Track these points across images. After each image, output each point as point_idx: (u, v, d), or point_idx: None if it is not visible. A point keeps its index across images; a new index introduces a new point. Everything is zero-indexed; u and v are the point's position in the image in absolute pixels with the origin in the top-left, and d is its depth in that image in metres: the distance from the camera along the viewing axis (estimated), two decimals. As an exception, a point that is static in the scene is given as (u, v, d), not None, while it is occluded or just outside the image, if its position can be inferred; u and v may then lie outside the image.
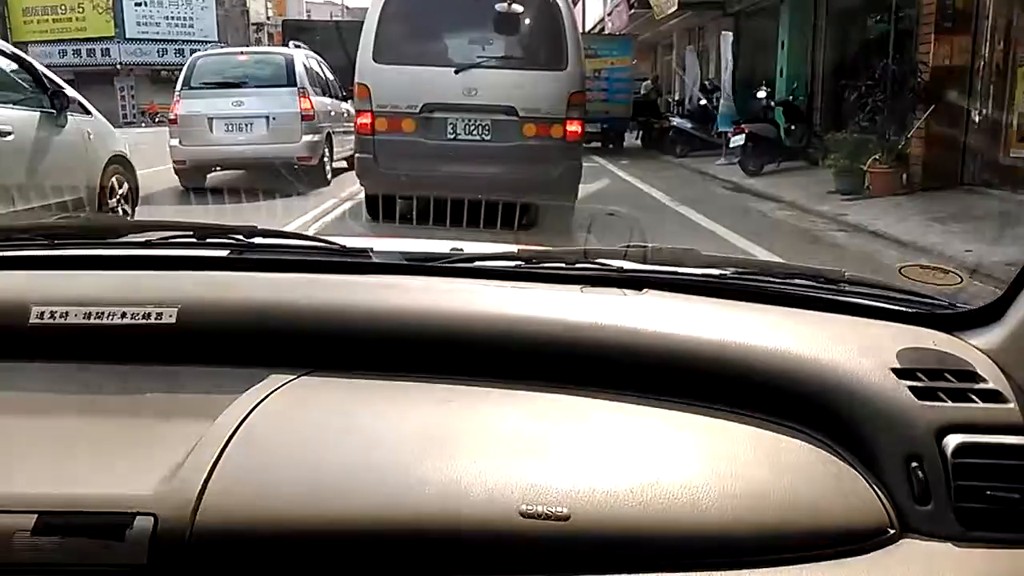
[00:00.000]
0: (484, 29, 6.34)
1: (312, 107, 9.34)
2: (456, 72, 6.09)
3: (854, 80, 9.95)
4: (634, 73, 17.40)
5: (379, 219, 4.19)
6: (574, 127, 6.18)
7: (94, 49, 34.52)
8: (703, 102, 15.32)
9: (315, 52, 11.19)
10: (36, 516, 0.71)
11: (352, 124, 11.00)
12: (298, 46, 10.93)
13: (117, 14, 33.58)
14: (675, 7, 14.96)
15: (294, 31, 13.90)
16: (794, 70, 12.75)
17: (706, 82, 16.25)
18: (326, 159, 9.76)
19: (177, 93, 9.29)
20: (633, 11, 18.41)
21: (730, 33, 13.05)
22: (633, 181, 11.32)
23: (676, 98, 19.47)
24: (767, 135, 11.20)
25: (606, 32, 21.38)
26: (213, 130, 9.14)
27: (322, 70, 10.67)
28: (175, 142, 9.06)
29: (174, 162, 9.11)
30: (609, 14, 21.65)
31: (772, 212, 8.58)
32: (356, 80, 6.24)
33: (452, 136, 6.13)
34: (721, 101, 13.27)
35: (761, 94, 12.06)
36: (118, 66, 33.14)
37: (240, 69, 9.57)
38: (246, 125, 9.18)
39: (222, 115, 9.11)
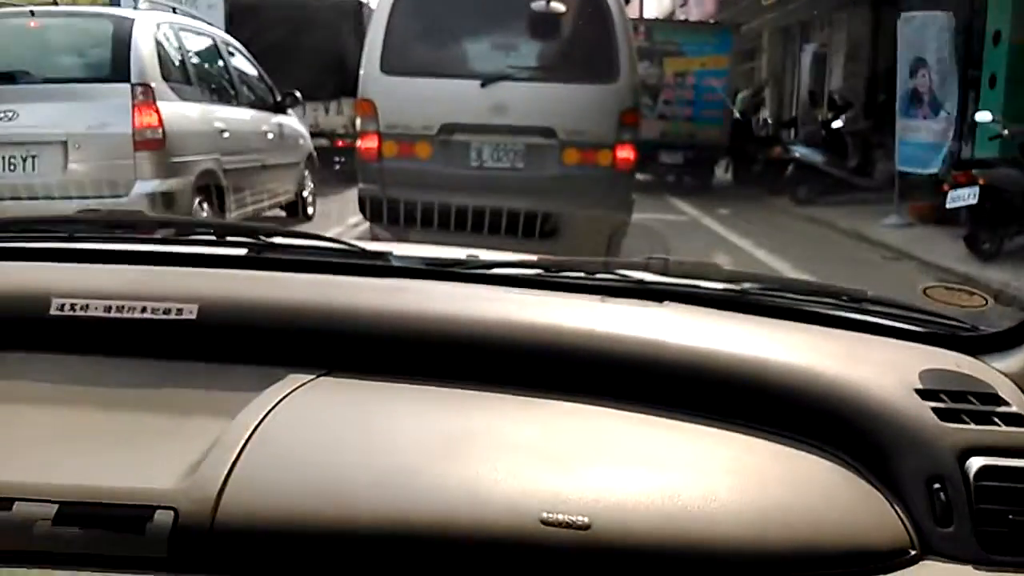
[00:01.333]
0: (516, 32, 5.25)
1: (160, 123, 4.62)
2: (482, 85, 5.00)
3: None
4: (733, 80, 12.44)
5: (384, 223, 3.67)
6: (626, 153, 5.08)
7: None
8: (837, 124, 10.41)
9: (268, 40, 7.66)
10: (57, 506, 0.70)
11: (287, 151, 6.62)
12: (165, 7, 6.13)
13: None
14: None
15: (242, 12, 9.70)
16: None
17: (834, 95, 11.35)
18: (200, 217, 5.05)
19: None
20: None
21: (942, 15, 7.98)
22: (763, 259, 6.51)
23: (768, 117, 14.47)
24: (1015, 189, 6.26)
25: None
26: (-42, 168, 4.51)
27: (220, 52, 6.01)
28: None
29: None
30: (682, 4, 16.73)
31: None
32: (359, 95, 5.17)
33: (477, 164, 5.07)
34: (900, 124, 8.33)
35: (984, 116, 7.07)
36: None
37: (26, 47, 4.88)
38: (26, 160, 4.52)
39: (-24, 139, 4.49)
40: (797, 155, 10.13)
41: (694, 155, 11.32)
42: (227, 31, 10.53)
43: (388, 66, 5.02)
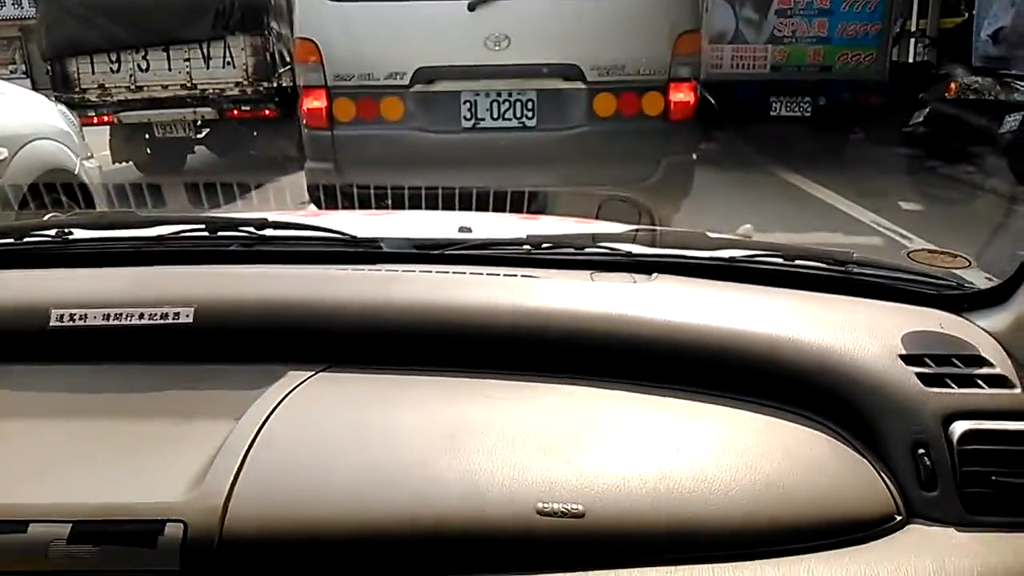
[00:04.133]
0: None
1: None
2: (471, 8, 3.69)
3: None
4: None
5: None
6: (682, 95, 3.74)
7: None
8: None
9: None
10: (71, 525, 0.74)
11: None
12: None
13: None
14: None
15: None
16: None
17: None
18: None
19: None
20: None
21: None
22: None
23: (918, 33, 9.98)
24: None
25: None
26: None
27: None
28: None
29: None
30: None
31: None
32: (296, 33, 3.91)
33: (470, 124, 3.81)
34: None
35: None
36: (32, 20, 24.56)
37: None
38: None
39: None
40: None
41: (829, 102, 7.20)
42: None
43: None
